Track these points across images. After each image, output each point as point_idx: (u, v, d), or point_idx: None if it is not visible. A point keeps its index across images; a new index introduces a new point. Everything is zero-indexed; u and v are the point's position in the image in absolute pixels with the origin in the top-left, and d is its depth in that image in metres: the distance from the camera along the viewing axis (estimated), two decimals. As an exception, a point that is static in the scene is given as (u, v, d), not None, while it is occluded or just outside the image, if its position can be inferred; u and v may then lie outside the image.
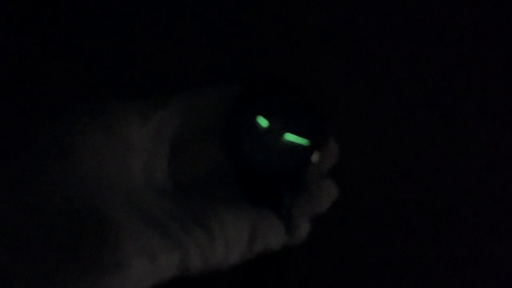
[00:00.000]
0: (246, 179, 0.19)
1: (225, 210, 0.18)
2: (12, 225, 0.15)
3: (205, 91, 0.19)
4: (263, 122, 0.18)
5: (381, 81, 0.35)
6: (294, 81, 0.19)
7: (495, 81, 0.34)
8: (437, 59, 0.34)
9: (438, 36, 0.34)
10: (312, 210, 0.20)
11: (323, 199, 0.20)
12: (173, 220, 0.17)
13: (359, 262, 0.36)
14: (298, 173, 0.19)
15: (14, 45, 0.38)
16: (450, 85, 0.34)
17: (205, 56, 0.34)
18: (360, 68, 0.35)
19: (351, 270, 0.36)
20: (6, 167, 0.17)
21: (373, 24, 0.34)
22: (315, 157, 0.19)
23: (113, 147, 0.17)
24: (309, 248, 0.36)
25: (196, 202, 0.18)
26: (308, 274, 0.36)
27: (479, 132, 0.34)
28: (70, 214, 0.16)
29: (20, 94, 0.38)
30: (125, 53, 0.37)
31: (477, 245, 0.35)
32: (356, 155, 0.35)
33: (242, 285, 0.34)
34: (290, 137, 0.19)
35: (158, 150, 0.18)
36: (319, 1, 0.35)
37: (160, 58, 0.37)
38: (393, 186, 0.35)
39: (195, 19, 0.36)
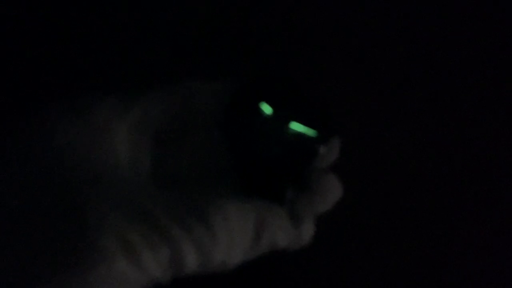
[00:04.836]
0: (247, 170, 0.17)
1: (226, 201, 0.16)
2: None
3: (194, 85, 0.18)
4: (266, 109, 0.17)
5: (380, 80, 0.35)
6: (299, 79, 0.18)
7: (495, 80, 0.34)
8: (437, 59, 0.34)
9: (438, 36, 0.34)
10: (317, 207, 0.18)
11: (328, 196, 0.18)
12: (165, 212, 0.15)
13: (358, 262, 0.36)
14: (303, 166, 0.17)
15: (12, 44, 0.38)
16: (450, 85, 0.34)
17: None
18: (360, 67, 0.35)
19: (350, 271, 0.36)
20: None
21: (373, 23, 0.34)
22: (322, 150, 0.17)
23: (94, 139, 0.16)
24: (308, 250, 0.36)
25: (193, 194, 0.16)
26: (305, 276, 0.36)
27: (479, 132, 0.34)
28: (52, 209, 0.15)
29: (17, 92, 0.38)
30: (123, 50, 0.37)
31: (477, 244, 0.35)
32: (356, 154, 0.35)
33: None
34: (296, 126, 0.17)
35: (140, 141, 0.17)
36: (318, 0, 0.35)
37: (158, 57, 0.37)
38: (393, 184, 0.35)
39: (194, 18, 0.36)
